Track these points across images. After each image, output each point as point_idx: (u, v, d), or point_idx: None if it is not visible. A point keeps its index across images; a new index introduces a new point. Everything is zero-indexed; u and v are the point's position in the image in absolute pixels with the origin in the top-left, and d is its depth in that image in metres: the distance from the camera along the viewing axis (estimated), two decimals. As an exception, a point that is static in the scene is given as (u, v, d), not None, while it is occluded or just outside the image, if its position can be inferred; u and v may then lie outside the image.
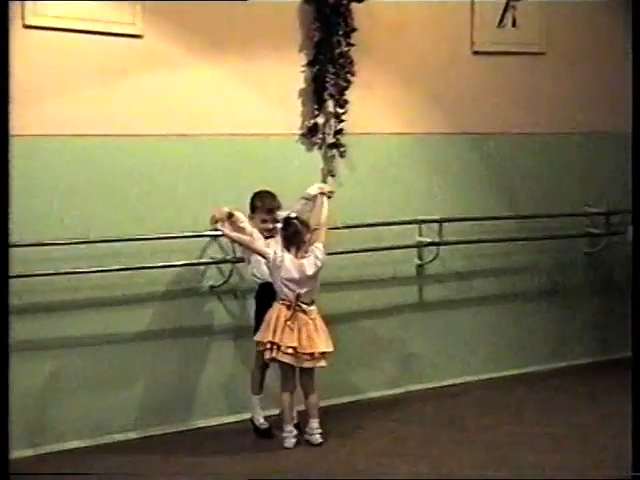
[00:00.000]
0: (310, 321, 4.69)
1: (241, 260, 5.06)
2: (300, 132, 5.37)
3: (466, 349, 6.06)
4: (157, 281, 5.00)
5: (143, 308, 4.99)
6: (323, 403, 4.99)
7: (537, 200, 6.22)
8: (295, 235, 4.74)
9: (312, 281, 4.75)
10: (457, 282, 6.01)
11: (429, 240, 5.76)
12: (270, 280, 4.80)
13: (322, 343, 4.70)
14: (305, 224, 4.77)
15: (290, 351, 4.65)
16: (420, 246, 5.82)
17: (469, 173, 6.02)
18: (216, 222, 4.72)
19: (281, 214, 4.85)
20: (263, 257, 4.75)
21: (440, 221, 5.73)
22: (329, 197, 4.89)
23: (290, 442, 4.78)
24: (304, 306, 4.71)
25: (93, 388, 4.89)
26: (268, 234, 4.88)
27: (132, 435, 4.97)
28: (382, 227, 5.54)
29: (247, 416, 5.10)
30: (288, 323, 4.65)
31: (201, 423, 5.16)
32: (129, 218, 4.89)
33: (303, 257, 4.74)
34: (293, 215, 4.77)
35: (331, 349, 4.74)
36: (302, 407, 4.89)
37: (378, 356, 5.75)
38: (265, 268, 4.80)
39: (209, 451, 4.73)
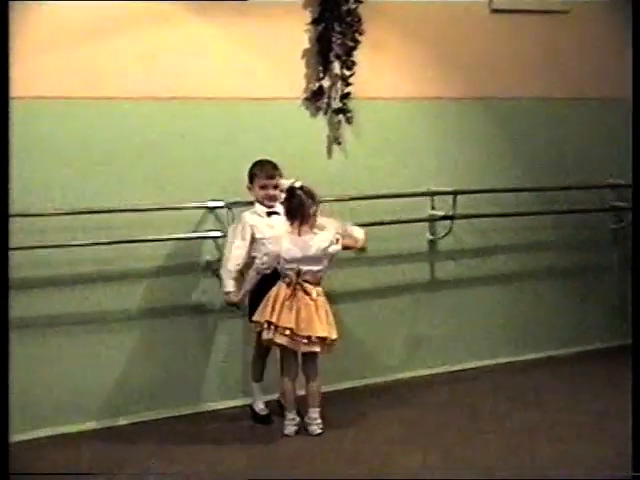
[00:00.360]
0: (311, 302, 4.59)
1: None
2: (304, 96, 5.28)
3: (480, 331, 6.02)
4: (150, 256, 4.95)
5: (134, 285, 4.94)
6: (326, 388, 4.95)
7: (558, 171, 6.12)
8: (299, 207, 4.64)
9: (317, 261, 4.64)
10: (471, 259, 5.95)
11: (442, 213, 5.69)
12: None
13: (322, 327, 4.59)
14: (311, 195, 4.66)
15: (287, 332, 4.56)
16: (432, 220, 5.76)
17: (486, 141, 5.93)
18: (233, 303, 4.77)
19: (285, 182, 4.75)
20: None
21: (454, 193, 5.63)
22: (361, 250, 4.89)
23: (291, 430, 4.73)
24: (307, 285, 4.61)
25: (78, 370, 4.85)
26: (269, 202, 4.80)
27: (122, 421, 4.94)
28: (391, 199, 5.47)
29: (245, 401, 5.08)
30: (286, 302, 4.57)
31: (195, 408, 5.13)
32: (120, 187, 4.83)
33: (308, 233, 4.65)
34: (298, 184, 4.67)
35: (334, 336, 4.65)
36: (303, 392, 4.83)
37: (385, 338, 5.72)
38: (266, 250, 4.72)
39: (204, 438, 4.71)
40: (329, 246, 4.65)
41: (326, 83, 5.26)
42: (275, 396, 5.03)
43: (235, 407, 5.14)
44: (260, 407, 4.96)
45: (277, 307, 4.57)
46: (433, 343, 5.85)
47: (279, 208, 4.80)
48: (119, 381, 4.94)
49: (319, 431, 4.71)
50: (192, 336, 5.12)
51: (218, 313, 5.13)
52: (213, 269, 5.01)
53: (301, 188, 4.65)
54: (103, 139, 4.77)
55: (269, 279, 4.70)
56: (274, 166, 4.81)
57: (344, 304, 5.35)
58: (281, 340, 4.59)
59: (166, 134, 4.94)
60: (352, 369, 5.56)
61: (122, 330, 4.93)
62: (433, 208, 5.72)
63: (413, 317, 5.81)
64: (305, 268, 4.60)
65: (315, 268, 4.63)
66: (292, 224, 4.67)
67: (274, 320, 4.56)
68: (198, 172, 4.99)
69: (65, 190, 4.69)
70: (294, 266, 4.60)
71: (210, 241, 5.07)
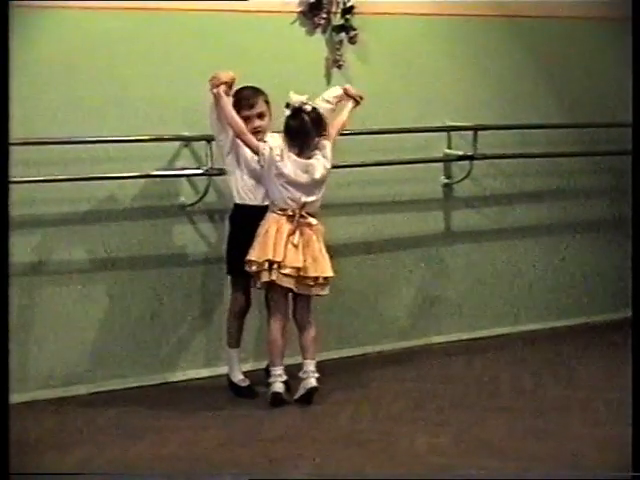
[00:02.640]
0: (314, 237, 4.66)
1: (221, 172, 4.95)
2: (298, 9, 5.25)
3: (503, 293, 6.03)
4: (112, 196, 4.93)
5: (97, 230, 4.93)
6: (321, 357, 4.94)
7: (600, 104, 6.08)
8: (300, 134, 4.64)
9: (319, 188, 4.70)
10: (494, 207, 5.94)
11: (460, 153, 5.65)
12: (248, 202, 4.76)
13: (328, 266, 4.68)
14: (317, 122, 4.64)
15: (292, 273, 4.59)
16: (448, 160, 5.71)
17: (512, 68, 5.88)
18: (217, 86, 4.59)
19: (295, 98, 4.64)
20: (255, 153, 4.65)
21: (474, 129, 5.59)
22: (356, 103, 4.88)
23: (279, 386, 4.69)
24: (310, 218, 4.66)
25: (29, 329, 4.85)
26: (256, 136, 4.74)
27: (82, 390, 4.94)
28: (400, 135, 5.43)
29: (224, 370, 5.07)
30: (291, 239, 4.59)
31: (166, 377, 5.15)
32: (76, 114, 4.80)
33: (310, 157, 4.68)
34: (308, 107, 4.64)
35: (333, 274, 4.72)
36: (292, 360, 4.83)
37: (391, 299, 5.72)
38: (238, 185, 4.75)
39: (176, 411, 4.70)
40: (330, 168, 4.70)
41: (325, -6, 5.17)
42: (255, 365, 5.09)
43: (216, 376, 5.15)
44: (239, 378, 4.93)
45: (280, 244, 4.58)
46: (447, 306, 5.85)
47: (276, 140, 4.73)
48: (77, 345, 4.94)
49: (315, 384, 4.69)
50: (162, 291, 5.10)
51: (193, 264, 5.14)
52: (189, 214, 5.06)
53: (308, 113, 4.63)
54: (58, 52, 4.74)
55: (250, 226, 4.69)
56: (257, 91, 4.76)
57: (343, 258, 5.31)
58: (287, 282, 4.60)
59: (137, 50, 4.89)
60: (352, 335, 5.57)
61: (82, 282, 4.92)
62: (449, 146, 5.68)
63: (424, 275, 5.79)
64: (309, 199, 4.65)
65: (315, 197, 4.70)
66: (290, 146, 4.66)
67: (279, 259, 4.55)
68: (174, 98, 4.96)
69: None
70: (297, 196, 4.62)
71: (184, 181, 5.06)
